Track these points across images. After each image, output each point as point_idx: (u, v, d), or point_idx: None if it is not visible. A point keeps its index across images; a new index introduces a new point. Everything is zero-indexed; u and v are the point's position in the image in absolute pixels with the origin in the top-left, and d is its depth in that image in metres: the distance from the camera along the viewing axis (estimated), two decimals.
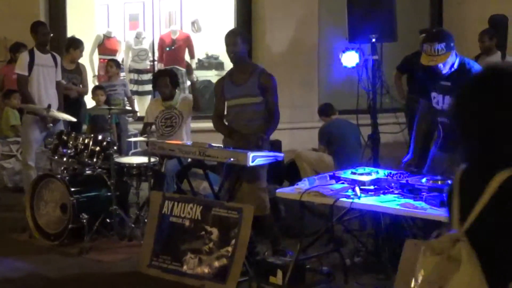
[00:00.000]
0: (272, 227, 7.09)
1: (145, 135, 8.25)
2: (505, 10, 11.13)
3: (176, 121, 8.58)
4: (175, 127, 8.56)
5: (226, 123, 7.24)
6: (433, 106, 6.13)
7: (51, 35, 9.12)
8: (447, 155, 6.00)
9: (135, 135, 11.01)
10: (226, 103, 7.20)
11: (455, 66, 5.89)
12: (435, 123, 6.27)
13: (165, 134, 8.54)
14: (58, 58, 9.17)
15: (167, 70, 9.79)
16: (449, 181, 5.41)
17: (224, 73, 14.14)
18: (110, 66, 11.46)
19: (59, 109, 8.91)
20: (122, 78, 12.29)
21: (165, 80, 8.64)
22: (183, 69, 13.83)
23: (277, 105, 7.07)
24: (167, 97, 8.63)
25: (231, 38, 7.05)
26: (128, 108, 11.42)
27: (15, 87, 10.76)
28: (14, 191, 10.24)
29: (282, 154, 6.93)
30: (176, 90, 8.75)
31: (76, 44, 10.73)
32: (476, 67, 5.96)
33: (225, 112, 7.32)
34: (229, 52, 7.06)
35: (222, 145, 7.07)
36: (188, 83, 14.15)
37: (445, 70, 5.85)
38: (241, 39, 7.06)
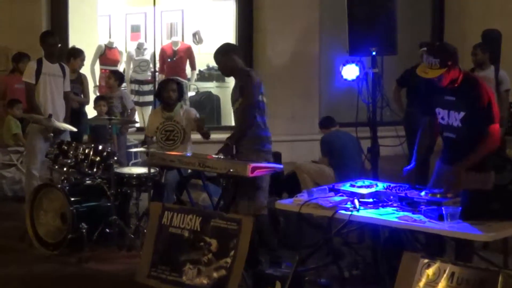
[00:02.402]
0: (268, 234, 7.08)
1: (145, 146, 8.27)
2: (504, 25, 11.17)
3: (178, 135, 8.57)
4: (176, 141, 8.55)
5: None
6: (439, 121, 6.12)
7: (59, 45, 9.13)
8: (451, 168, 6.00)
9: (135, 146, 11.01)
10: None
11: (459, 81, 5.89)
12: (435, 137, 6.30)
13: (165, 147, 8.53)
14: (67, 69, 9.17)
15: (175, 78, 9.82)
16: (448, 195, 5.43)
17: (225, 84, 14.29)
18: (109, 77, 11.39)
19: (65, 120, 8.92)
20: (123, 89, 12.28)
21: (173, 85, 8.66)
22: (184, 81, 13.86)
23: (248, 106, 6.97)
24: (170, 104, 8.62)
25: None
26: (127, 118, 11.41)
27: (17, 96, 10.82)
28: (14, 200, 10.26)
29: (281, 166, 6.93)
30: (179, 103, 8.78)
31: (76, 54, 10.76)
32: (480, 81, 5.98)
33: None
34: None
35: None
36: (189, 94, 14.22)
37: (441, 84, 5.85)
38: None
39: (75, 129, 8.83)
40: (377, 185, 6.07)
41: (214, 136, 11.37)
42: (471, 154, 5.80)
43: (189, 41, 15.03)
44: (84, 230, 7.57)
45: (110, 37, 14.96)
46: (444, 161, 6.22)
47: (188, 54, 14.30)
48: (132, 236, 7.85)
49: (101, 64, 14.08)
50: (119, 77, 11.47)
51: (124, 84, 12.65)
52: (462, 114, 5.88)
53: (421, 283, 4.97)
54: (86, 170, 8.08)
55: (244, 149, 6.98)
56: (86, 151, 8.10)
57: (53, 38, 9.05)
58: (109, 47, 14.24)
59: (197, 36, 15.13)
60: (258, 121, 6.99)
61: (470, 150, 5.82)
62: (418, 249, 6.19)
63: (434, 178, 6.26)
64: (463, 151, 5.89)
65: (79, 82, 10.70)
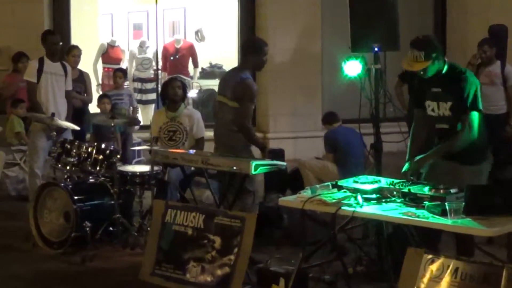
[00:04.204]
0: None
1: (148, 144, 8.27)
2: (506, 20, 11.14)
3: (180, 136, 8.57)
4: (178, 142, 8.56)
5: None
6: (429, 114, 6.18)
7: (61, 44, 9.12)
8: (445, 162, 6.03)
9: (138, 144, 11.02)
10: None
11: (443, 72, 6.00)
12: (432, 130, 6.31)
13: (168, 147, 8.53)
14: (69, 68, 9.16)
15: (178, 77, 9.83)
16: (452, 190, 5.42)
17: None
18: (119, 76, 11.42)
19: (67, 119, 8.90)
20: (127, 87, 12.32)
21: (177, 83, 8.69)
22: (187, 79, 13.87)
23: None
24: (175, 102, 8.63)
25: None
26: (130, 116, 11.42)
27: (19, 96, 10.83)
28: (17, 200, 10.27)
29: (284, 163, 6.94)
30: (182, 103, 8.79)
31: (68, 50, 10.74)
32: (465, 70, 6.08)
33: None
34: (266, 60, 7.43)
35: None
36: (192, 92, 14.21)
37: (426, 75, 5.97)
38: None
39: (78, 128, 8.83)
40: (380, 181, 6.06)
41: None
42: (447, 145, 5.99)
43: (191, 39, 15.04)
44: (88, 229, 7.56)
45: (112, 36, 14.97)
46: None
47: (190, 52, 14.30)
48: (136, 234, 7.86)
49: (103, 62, 14.09)
50: (126, 74, 11.61)
51: (126, 82, 12.68)
52: (449, 103, 5.98)
53: (425, 279, 4.97)
54: (89, 168, 8.08)
55: None
56: (89, 149, 8.11)
57: (54, 37, 9.05)
58: (111, 46, 14.25)
59: (199, 33, 15.14)
60: None
61: None
62: (422, 244, 6.18)
63: (427, 172, 6.26)
64: None
65: (81, 80, 10.69)
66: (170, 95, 8.65)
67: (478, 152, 6.04)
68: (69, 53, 10.66)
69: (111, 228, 7.91)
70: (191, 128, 8.61)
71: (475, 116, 5.89)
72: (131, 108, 11.48)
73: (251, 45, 7.56)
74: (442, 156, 6.09)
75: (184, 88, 8.85)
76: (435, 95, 6.07)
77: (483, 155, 6.15)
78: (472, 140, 5.91)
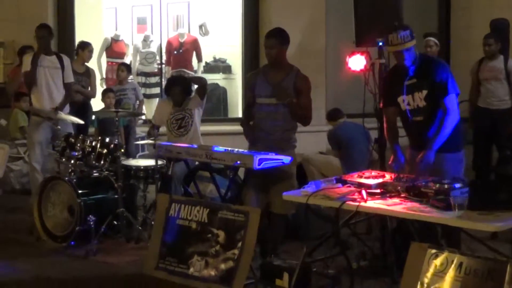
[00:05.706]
0: (283, 230, 7.12)
1: (152, 138, 8.27)
2: (510, 16, 11.11)
3: (188, 121, 8.58)
4: (187, 127, 8.57)
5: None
6: (406, 108, 6.31)
7: (49, 36, 9.03)
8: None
9: (142, 138, 11.03)
10: (256, 100, 7.04)
11: (417, 62, 6.17)
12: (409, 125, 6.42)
13: (178, 135, 8.53)
14: (66, 60, 9.13)
15: (180, 78, 9.70)
16: (456, 185, 5.42)
17: (231, 76, 14.24)
18: (122, 70, 11.45)
19: (65, 110, 8.86)
20: (131, 81, 12.31)
21: (178, 89, 8.64)
22: (191, 73, 13.85)
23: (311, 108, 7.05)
24: (179, 104, 8.65)
25: (270, 40, 6.94)
26: (137, 110, 11.44)
27: (23, 89, 10.84)
28: (22, 193, 10.28)
29: (289, 158, 6.93)
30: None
31: (83, 45, 10.79)
32: (435, 58, 6.24)
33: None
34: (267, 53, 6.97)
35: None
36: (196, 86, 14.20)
37: (409, 62, 6.11)
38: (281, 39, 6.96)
39: (82, 122, 8.82)
40: (384, 176, 6.06)
41: (221, 127, 11.42)
42: (438, 133, 6.04)
43: (195, 33, 14.99)
44: (92, 223, 7.58)
45: (116, 30, 14.94)
46: (415, 148, 6.29)
47: (194, 46, 14.26)
48: (140, 228, 7.87)
49: (107, 56, 14.08)
50: (129, 69, 11.60)
51: (130, 76, 12.69)
52: (425, 92, 6.12)
53: (429, 274, 4.96)
54: (93, 162, 8.10)
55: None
56: (93, 143, 8.12)
57: (42, 31, 8.99)
58: (115, 40, 14.23)
59: (203, 28, 15.10)
60: None
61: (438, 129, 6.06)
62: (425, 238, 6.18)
63: (410, 166, 6.30)
64: (432, 131, 6.11)
65: (87, 75, 10.72)
66: (172, 98, 8.69)
67: (457, 138, 6.19)
68: (85, 49, 10.74)
69: (115, 222, 7.93)
70: (196, 107, 8.62)
71: (454, 98, 6.07)
72: (137, 102, 11.51)
73: None
74: (419, 147, 6.19)
75: (187, 89, 8.80)
76: (409, 88, 6.21)
77: (462, 141, 6.34)
78: (457, 122, 6.03)
